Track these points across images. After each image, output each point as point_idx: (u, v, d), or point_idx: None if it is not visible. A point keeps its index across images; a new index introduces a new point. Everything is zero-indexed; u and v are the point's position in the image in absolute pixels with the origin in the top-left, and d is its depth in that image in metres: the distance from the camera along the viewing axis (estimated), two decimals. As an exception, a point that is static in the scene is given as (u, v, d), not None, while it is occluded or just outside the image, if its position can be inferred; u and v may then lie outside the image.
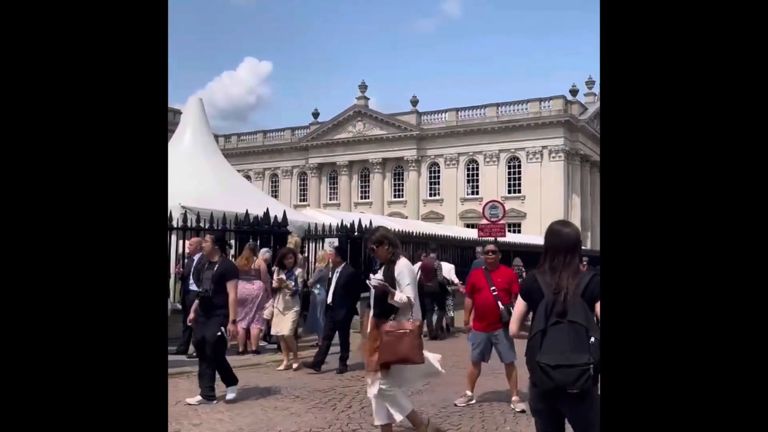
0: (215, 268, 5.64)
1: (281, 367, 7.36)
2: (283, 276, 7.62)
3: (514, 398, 5.53)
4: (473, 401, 5.70)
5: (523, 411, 5.20)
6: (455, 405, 5.60)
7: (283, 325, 7.48)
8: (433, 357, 4.34)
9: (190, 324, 6.13)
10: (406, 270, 4.21)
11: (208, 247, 5.94)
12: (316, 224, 12.16)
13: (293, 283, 7.66)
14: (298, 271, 8.09)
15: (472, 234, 18.86)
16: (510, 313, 5.66)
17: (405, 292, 4.09)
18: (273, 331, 7.95)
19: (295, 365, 7.44)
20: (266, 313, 8.03)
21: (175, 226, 8.83)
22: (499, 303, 5.50)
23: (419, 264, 11.60)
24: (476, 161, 40.26)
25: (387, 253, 4.25)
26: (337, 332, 7.60)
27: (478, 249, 13.31)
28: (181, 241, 8.91)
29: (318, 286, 9.39)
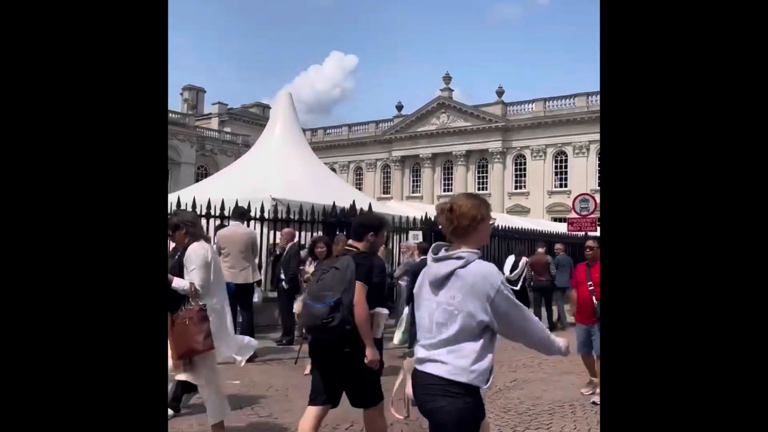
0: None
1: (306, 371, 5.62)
2: (311, 269, 6.65)
3: (590, 390, 5.92)
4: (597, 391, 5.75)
5: (595, 403, 5.49)
6: (581, 393, 5.87)
7: None
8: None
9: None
10: (193, 255, 3.76)
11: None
12: (400, 216, 12.20)
13: None
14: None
15: (561, 228, 18.23)
16: (598, 310, 5.85)
17: (190, 278, 3.70)
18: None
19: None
20: (296, 308, 6.83)
21: (266, 217, 9.15)
22: (594, 298, 5.76)
23: (525, 260, 11.35)
24: (565, 153, 38.88)
25: (184, 238, 3.90)
26: None
27: (558, 245, 12.84)
28: (272, 232, 9.22)
29: (405, 278, 9.44)
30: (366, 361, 3.21)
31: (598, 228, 18.46)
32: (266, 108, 53.70)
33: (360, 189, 45.01)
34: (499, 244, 14.40)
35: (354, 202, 10.50)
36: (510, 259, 11.81)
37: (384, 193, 47.19)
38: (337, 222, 9.88)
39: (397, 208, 15.13)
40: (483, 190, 42.31)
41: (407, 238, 11.66)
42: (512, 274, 11.26)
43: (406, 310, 7.92)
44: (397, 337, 7.69)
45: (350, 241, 3.61)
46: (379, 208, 12.98)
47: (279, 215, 9.28)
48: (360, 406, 3.37)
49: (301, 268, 8.05)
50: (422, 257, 7.89)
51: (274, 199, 9.58)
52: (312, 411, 3.33)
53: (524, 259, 11.57)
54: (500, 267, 13.87)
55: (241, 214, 7.85)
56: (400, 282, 9.44)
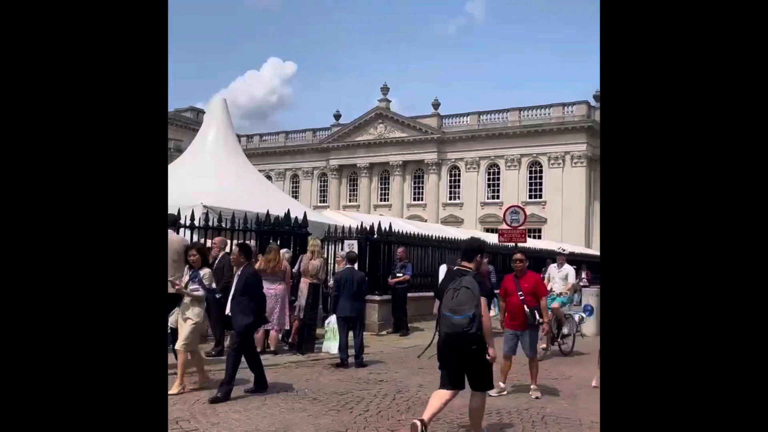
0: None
1: (173, 390, 5.61)
2: (182, 279, 6.11)
3: (533, 387, 6.35)
4: (505, 392, 6.30)
5: (538, 398, 6.15)
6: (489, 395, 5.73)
7: (181, 334, 5.92)
8: None
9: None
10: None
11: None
12: (335, 226, 12.18)
13: (197, 286, 5.96)
14: (204, 271, 6.08)
15: (492, 238, 18.73)
16: (534, 317, 6.27)
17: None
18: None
19: (188, 387, 5.93)
20: (171, 320, 6.30)
21: (197, 225, 8.90)
22: (525, 307, 6.29)
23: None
24: (497, 165, 40.04)
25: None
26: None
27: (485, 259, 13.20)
28: (202, 240, 8.98)
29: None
30: (488, 357, 4.16)
31: (528, 239, 19.10)
32: (200, 112, 52.30)
33: (296, 197, 44.55)
34: (433, 254, 14.63)
35: (288, 210, 10.40)
36: (443, 268, 12.06)
37: (321, 201, 46.96)
38: (271, 231, 9.75)
39: (333, 217, 15.08)
40: (419, 200, 42.90)
41: (342, 248, 11.66)
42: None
43: (333, 318, 8.11)
44: (325, 345, 8.30)
45: (463, 263, 4.48)
46: (314, 217, 12.91)
47: (211, 223, 9.05)
48: (478, 389, 4.33)
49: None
50: (348, 266, 7.98)
51: (205, 206, 9.34)
52: (444, 393, 4.29)
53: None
54: (435, 275, 14.11)
55: (173, 222, 7.62)
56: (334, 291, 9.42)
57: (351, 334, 7.91)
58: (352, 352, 7.84)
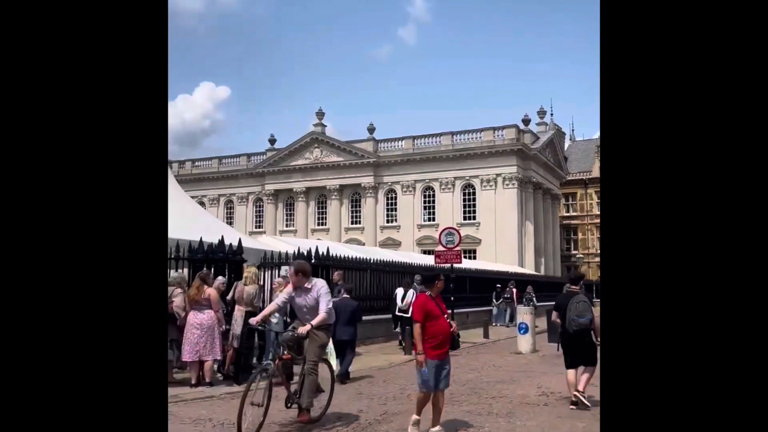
0: None
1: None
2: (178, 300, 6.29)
3: (436, 429, 5.38)
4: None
5: None
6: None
7: None
8: None
9: None
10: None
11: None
12: (272, 252, 12.00)
13: None
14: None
15: (429, 260, 19.00)
16: (456, 341, 5.51)
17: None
18: None
19: None
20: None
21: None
22: (452, 332, 5.42)
23: (413, 291, 12.30)
24: (432, 188, 40.78)
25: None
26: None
27: (417, 277, 13.42)
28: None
29: (276, 314, 9.25)
30: (596, 343, 6.59)
31: (463, 260, 19.52)
32: (129, 138, 50.45)
33: (231, 223, 43.57)
34: (372, 277, 14.67)
35: (222, 237, 10.17)
36: (400, 291, 12.95)
37: (257, 227, 46.17)
38: (204, 258, 9.49)
39: (268, 243, 14.87)
40: (357, 224, 42.97)
41: (279, 274, 11.49)
42: (403, 303, 12.47)
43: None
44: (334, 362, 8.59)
45: (572, 287, 7.17)
46: (250, 243, 12.67)
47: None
48: (592, 364, 6.65)
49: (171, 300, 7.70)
50: (344, 296, 8.99)
51: (134, 235, 8.99)
52: (572, 372, 6.82)
53: (412, 291, 12.53)
54: (389, 297, 14.18)
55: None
56: (271, 319, 9.25)
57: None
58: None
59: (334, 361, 8.87)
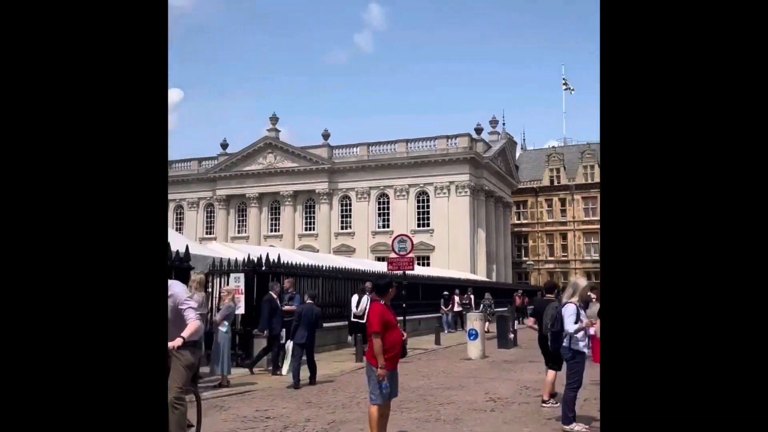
0: None
1: None
2: None
3: None
4: None
5: None
6: None
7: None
8: None
9: None
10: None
11: None
12: (221, 259, 11.78)
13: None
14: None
15: (383, 267, 19.04)
16: (405, 349, 5.47)
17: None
18: None
19: None
20: None
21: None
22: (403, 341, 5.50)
23: (367, 297, 12.37)
24: (387, 195, 40.95)
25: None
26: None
27: (368, 284, 13.38)
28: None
29: (225, 323, 9.09)
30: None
31: (417, 267, 19.61)
32: (73, 140, 48.73)
33: (180, 229, 42.59)
34: (324, 285, 14.59)
35: (169, 244, 9.91)
36: (355, 297, 13.02)
37: (207, 233, 45.22)
38: (150, 266, 9.22)
39: (218, 249, 14.58)
40: (310, 230, 42.68)
41: (228, 282, 11.29)
42: (358, 310, 12.71)
43: (290, 343, 9.30)
44: (285, 367, 9.38)
45: (548, 294, 7.75)
46: (199, 250, 12.40)
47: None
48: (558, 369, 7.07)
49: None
50: (309, 301, 9.55)
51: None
52: (552, 372, 7.27)
53: (366, 297, 12.51)
54: (342, 305, 14.11)
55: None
56: (220, 328, 9.08)
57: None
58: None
59: (286, 366, 9.23)
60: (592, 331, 6.14)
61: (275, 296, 10.38)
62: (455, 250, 37.89)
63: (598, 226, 47.28)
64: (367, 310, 12.64)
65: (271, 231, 43.71)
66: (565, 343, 5.98)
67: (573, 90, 62.32)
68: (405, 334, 5.51)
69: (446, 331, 20.27)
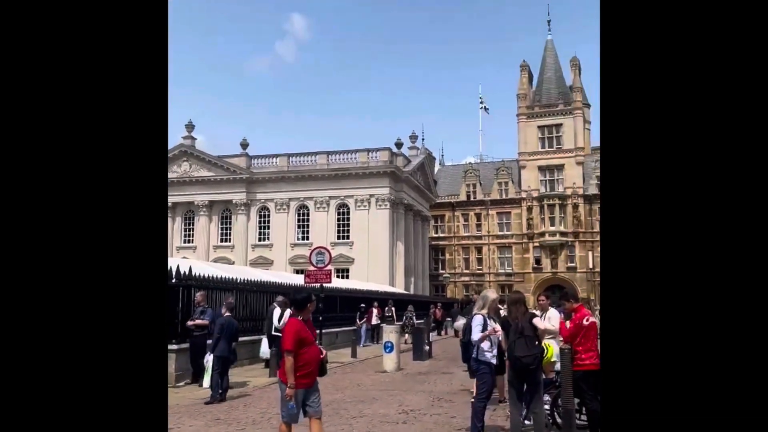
0: None
1: None
2: None
3: None
4: None
5: None
6: None
7: None
8: None
9: None
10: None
11: None
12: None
13: None
14: None
15: (302, 279, 18.81)
16: (325, 367, 5.08)
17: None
18: None
19: None
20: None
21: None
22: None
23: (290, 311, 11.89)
24: (307, 207, 40.62)
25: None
26: None
27: (279, 298, 13.21)
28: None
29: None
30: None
31: (336, 279, 19.47)
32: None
33: (86, 239, 40.08)
34: (239, 298, 14.20)
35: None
36: (277, 310, 12.74)
37: (115, 243, 42.91)
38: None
39: (125, 261, 13.84)
40: (227, 241, 41.52)
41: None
42: (280, 324, 12.39)
43: (210, 357, 9.23)
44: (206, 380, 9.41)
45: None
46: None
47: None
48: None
49: None
50: (227, 314, 9.39)
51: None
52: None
53: (289, 311, 12.02)
54: (258, 318, 13.72)
55: None
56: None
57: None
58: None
59: (208, 378, 9.16)
60: (500, 337, 6.19)
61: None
62: (374, 262, 38.10)
63: (511, 241, 49.41)
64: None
65: (185, 242, 42.13)
66: (473, 354, 6.14)
67: (488, 109, 64.75)
68: (324, 352, 5.20)
69: (362, 345, 20.23)
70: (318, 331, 13.18)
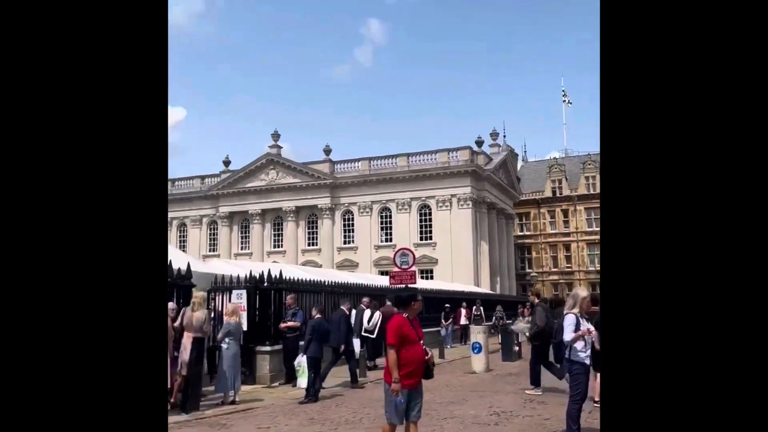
0: None
1: None
2: None
3: None
4: None
5: None
6: None
7: None
8: None
9: None
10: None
11: None
12: (223, 276, 11.79)
13: None
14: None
15: (386, 281, 19.01)
16: (431, 370, 4.94)
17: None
18: None
19: None
20: None
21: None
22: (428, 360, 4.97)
23: (379, 312, 13.20)
24: (389, 209, 40.98)
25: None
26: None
27: (365, 300, 13.61)
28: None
29: (227, 340, 9.06)
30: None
31: (420, 280, 19.53)
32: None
33: (184, 246, 42.63)
34: (327, 300, 14.56)
35: (171, 261, 9.95)
36: (367, 312, 13.37)
37: (211, 250, 45.27)
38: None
39: (220, 266, 14.59)
40: (313, 245, 42.68)
41: (230, 299, 11.29)
42: (370, 324, 13.24)
43: (303, 358, 9.53)
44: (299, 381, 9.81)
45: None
46: (201, 267, 12.42)
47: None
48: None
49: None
50: (318, 316, 9.63)
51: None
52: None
53: (378, 312, 13.25)
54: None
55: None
56: (222, 345, 9.07)
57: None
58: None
59: (305, 379, 9.40)
60: (594, 337, 5.90)
61: (348, 312, 11.40)
62: (458, 262, 37.80)
63: (602, 237, 47.16)
64: (377, 325, 12.81)
65: (274, 247, 43.73)
66: (566, 355, 5.95)
67: (571, 102, 62.50)
68: (430, 353, 4.97)
69: (449, 346, 20.10)
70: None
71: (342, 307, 11.37)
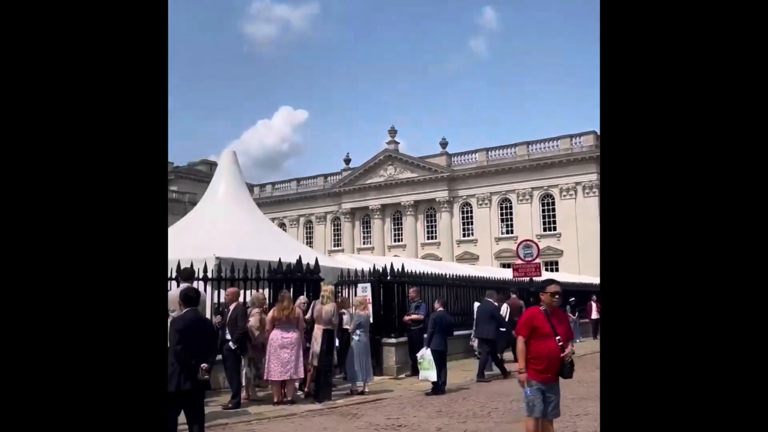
0: None
1: None
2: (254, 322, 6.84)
3: None
4: None
5: None
6: None
7: None
8: None
9: None
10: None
11: None
12: (348, 270, 12.21)
13: None
14: None
15: (509, 273, 18.62)
16: (568, 368, 4.69)
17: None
18: None
19: None
20: None
21: (210, 277, 8.99)
22: (563, 356, 4.72)
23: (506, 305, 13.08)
24: (509, 200, 40.06)
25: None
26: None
27: (489, 292, 13.26)
28: (216, 292, 9.06)
29: (358, 331, 9.38)
30: None
31: (543, 272, 18.90)
32: (213, 165, 53.22)
33: (310, 243, 44.70)
34: (448, 293, 14.55)
35: (300, 257, 10.47)
36: (504, 306, 13.17)
37: (335, 245, 47.08)
38: (284, 278, 9.80)
39: (345, 261, 15.13)
40: (432, 238, 42.86)
41: (356, 292, 11.66)
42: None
43: (427, 351, 9.22)
44: (422, 374, 9.31)
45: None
46: (327, 262, 12.96)
47: (223, 274, 9.14)
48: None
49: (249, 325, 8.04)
50: (440, 309, 9.67)
51: (217, 258, 9.45)
52: None
53: (506, 305, 13.14)
54: (467, 312, 14.13)
55: (188, 276, 7.81)
56: (353, 336, 9.39)
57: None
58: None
59: (433, 373, 9.33)
60: None
61: (495, 303, 11.77)
62: (585, 254, 36.01)
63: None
64: (505, 318, 12.64)
65: (395, 241, 44.50)
66: None
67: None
68: (567, 350, 4.68)
69: (577, 340, 19.21)
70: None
71: (489, 299, 11.65)
